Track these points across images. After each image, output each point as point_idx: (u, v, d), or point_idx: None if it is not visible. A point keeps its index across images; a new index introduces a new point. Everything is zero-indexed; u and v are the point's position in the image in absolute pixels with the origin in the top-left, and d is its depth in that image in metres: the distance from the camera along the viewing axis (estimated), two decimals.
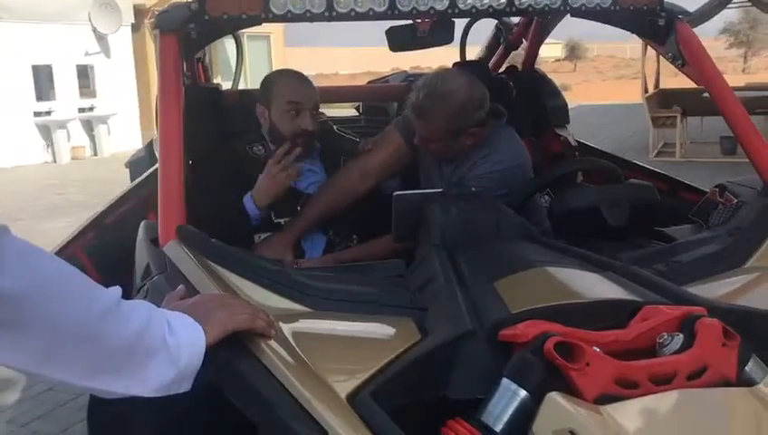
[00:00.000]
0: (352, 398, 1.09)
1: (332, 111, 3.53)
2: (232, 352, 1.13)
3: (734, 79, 21.00)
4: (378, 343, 1.31)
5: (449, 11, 1.92)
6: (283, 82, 2.33)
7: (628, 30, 2.24)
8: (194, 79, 2.90)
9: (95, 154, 12.58)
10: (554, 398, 1.04)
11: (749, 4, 10.14)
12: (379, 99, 3.29)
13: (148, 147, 3.18)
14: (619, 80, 29.07)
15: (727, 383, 1.13)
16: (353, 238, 2.36)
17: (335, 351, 1.24)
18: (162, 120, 1.75)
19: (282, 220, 2.26)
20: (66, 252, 2.33)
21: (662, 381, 1.11)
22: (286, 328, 1.27)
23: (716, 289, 1.51)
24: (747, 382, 1.15)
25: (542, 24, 3.02)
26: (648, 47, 10.58)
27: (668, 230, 2.01)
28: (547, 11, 2.01)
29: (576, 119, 2.95)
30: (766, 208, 1.75)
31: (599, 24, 2.25)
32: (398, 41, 2.33)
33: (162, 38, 1.89)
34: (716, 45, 29.11)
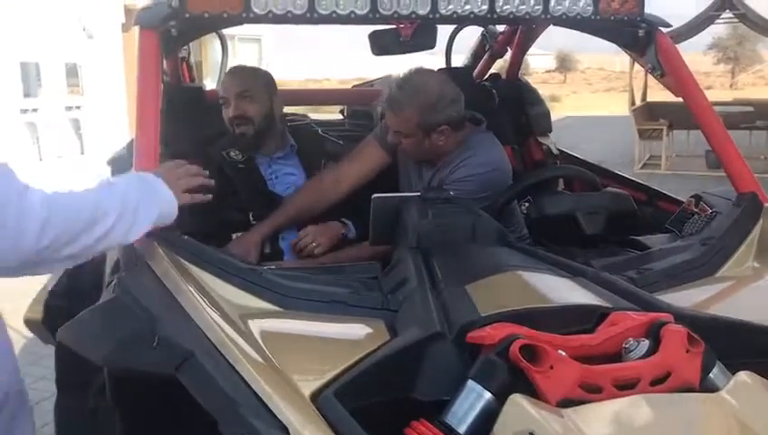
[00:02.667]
0: (315, 397, 1.09)
1: (318, 114, 3.54)
2: (195, 347, 1.12)
3: (721, 94, 21.23)
4: (345, 343, 1.31)
5: (431, 16, 1.93)
6: (221, 82, 2.49)
7: (609, 40, 2.25)
8: (176, 78, 2.90)
9: (82, 153, 12.51)
10: (516, 400, 1.04)
11: (737, 20, 10.23)
12: (363, 102, 3.29)
13: (130, 145, 3.17)
14: (608, 92, 29.24)
15: (690, 389, 1.13)
16: None
17: (302, 350, 1.24)
18: (139, 117, 1.75)
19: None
20: None
21: (625, 386, 1.11)
22: (254, 326, 1.27)
23: (687, 297, 1.52)
24: (710, 389, 1.15)
25: (526, 32, 3.04)
26: (641, 65, 10.65)
27: (643, 239, 2.03)
28: (528, 19, 2.03)
29: (564, 130, 2.98)
30: (739, 219, 1.76)
31: (588, 35, 2.27)
32: (381, 45, 2.34)
33: (142, 35, 1.89)
34: (705, 60, 29.38)
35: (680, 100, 2.17)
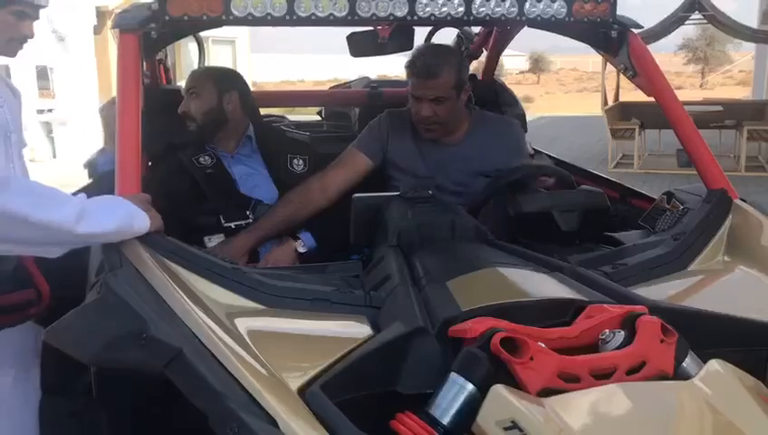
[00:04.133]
0: (303, 391, 1.11)
1: (295, 116, 3.56)
2: (182, 344, 1.14)
3: (691, 94, 21.52)
4: (330, 339, 1.33)
5: (408, 18, 1.96)
6: None
7: (582, 41, 2.30)
8: (154, 80, 2.90)
9: (54, 156, 12.37)
10: (498, 390, 1.08)
11: (706, 21, 10.41)
12: (340, 103, 3.32)
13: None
14: (581, 92, 29.52)
15: (664, 377, 1.17)
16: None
17: (288, 346, 1.26)
18: (120, 119, 1.75)
19: (231, 224, 2.29)
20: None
21: (602, 376, 1.15)
22: (241, 324, 1.29)
23: (660, 291, 1.56)
24: (684, 377, 1.19)
25: (501, 34, 3.08)
26: (613, 66, 10.79)
27: (618, 235, 2.07)
28: (504, 21, 2.07)
29: (538, 130, 3.04)
30: (709, 215, 1.82)
31: (562, 36, 2.33)
32: (359, 46, 2.37)
33: (122, 38, 1.89)
34: (675, 61, 29.81)
35: (652, 100, 2.22)
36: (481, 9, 2.00)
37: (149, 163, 2.53)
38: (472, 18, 2.01)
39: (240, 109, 2.42)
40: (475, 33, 3.28)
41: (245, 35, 17.02)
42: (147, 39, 1.91)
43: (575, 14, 2.07)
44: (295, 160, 2.51)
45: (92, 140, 12.32)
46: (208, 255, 1.56)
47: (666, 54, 26.50)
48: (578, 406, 1.07)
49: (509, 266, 1.57)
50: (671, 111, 2.12)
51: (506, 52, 3.43)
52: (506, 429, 1.00)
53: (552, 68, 40.27)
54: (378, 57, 2.57)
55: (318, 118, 3.61)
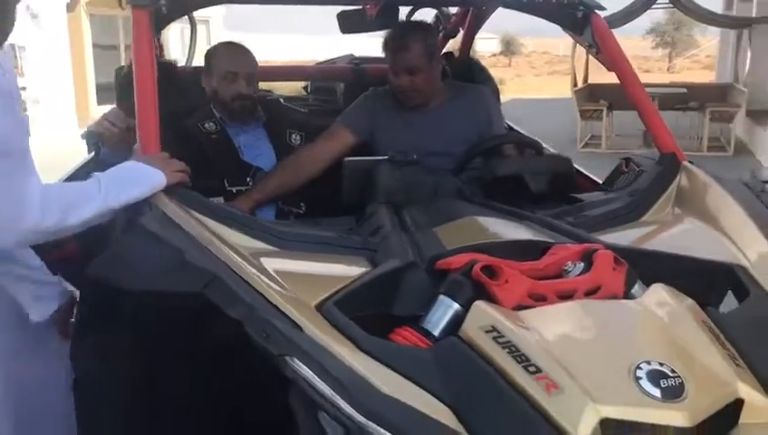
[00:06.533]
0: (319, 308, 1.34)
1: (281, 90, 3.74)
2: (216, 271, 1.36)
3: (659, 77, 21.95)
4: (338, 271, 1.55)
5: None
6: (222, 53, 2.59)
7: (551, 21, 2.53)
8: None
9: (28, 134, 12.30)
10: (480, 304, 1.31)
11: (672, 6, 10.72)
12: (326, 79, 3.52)
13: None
14: (551, 75, 29.87)
15: (616, 298, 1.42)
16: (301, 205, 2.61)
17: (303, 275, 1.48)
18: (139, 88, 1.93)
19: (233, 188, 2.49)
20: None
21: (565, 296, 1.39)
22: (260, 258, 1.50)
23: (616, 237, 1.80)
24: (632, 299, 1.44)
25: (477, 14, 3.29)
26: (579, 43, 11.08)
27: (582, 196, 2.32)
28: (482, 1, 2.28)
29: (509, 111, 3.24)
30: (660, 174, 2.06)
31: (533, 19, 2.55)
32: (348, 23, 2.57)
33: (135, 13, 2.07)
34: (643, 45, 30.28)
35: (615, 82, 2.45)
36: None
37: None
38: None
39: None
40: (453, 14, 3.50)
41: (220, 15, 16.99)
42: (158, 14, 2.09)
43: None
44: (294, 135, 2.71)
45: (66, 116, 12.26)
46: (224, 205, 1.77)
47: (634, 38, 26.94)
48: (544, 317, 1.30)
49: (486, 216, 1.80)
50: (629, 84, 2.35)
51: (478, 34, 3.64)
52: (487, 332, 1.24)
53: (524, 51, 40.59)
54: (352, 40, 2.78)
55: (303, 93, 3.81)
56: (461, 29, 3.46)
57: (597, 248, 1.51)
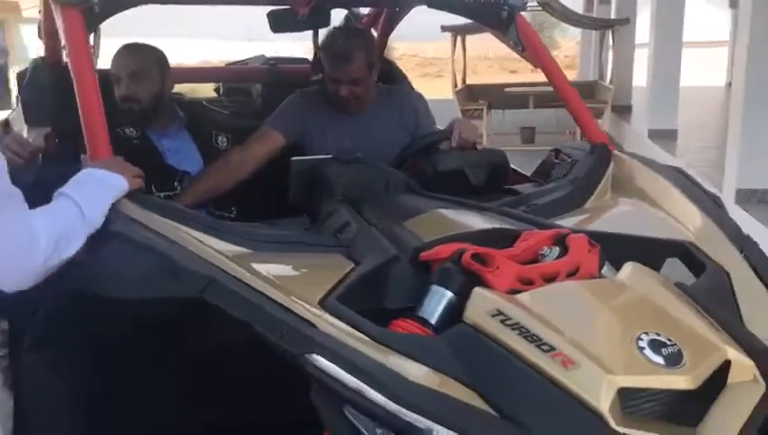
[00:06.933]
0: (322, 304, 1.33)
1: (191, 93, 3.63)
2: (212, 272, 1.32)
3: (525, 77, 22.96)
4: (324, 268, 1.55)
5: None
6: (113, 57, 2.52)
7: (476, 20, 2.63)
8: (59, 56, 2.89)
9: None
10: (480, 291, 1.35)
11: (541, 9, 11.29)
12: (242, 80, 3.46)
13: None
14: (423, 77, 30.51)
15: (593, 278, 1.50)
16: (232, 210, 2.56)
17: (294, 274, 1.46)
18: (80, 92, 1.83)
19: (161, 194, 2.41)
20: None
21: (550, 279, 1.46)
22: (246, 262, 1.47)
23: (567, 223, 1.90)
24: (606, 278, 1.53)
25: (391, 14, 3.34)
26: (458, 46, 11.50)
27: (516, 187, 2.42)
28: (411, 3, 2.33)
29: None
30: (595, 163, 2.20)
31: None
32: (279, 23, 2.55)
33: (66, 12, 1.95)
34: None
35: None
36: None
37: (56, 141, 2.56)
38: None
39: (172, 88, 2.53)
40: (365, 15, 3.53)
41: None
42: (90, 14, 1.99)
43: None
44: (220, 138, 2.66)
45: None
46: (188, 209, 1.71)
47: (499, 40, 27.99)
48: (541, 298, 1.36)
49: (449, 209, 1.85)
50: (555, 81, 2.48)
51: None
52: (493, 316, 1.28)
53: (395, 54, 41.24)
54: (271, 44, 2.75)
55: (215, 95, 3.71)
56: (373, 30, 3.51)
57: (567, 233, 1.60)
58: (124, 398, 1.51)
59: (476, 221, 1.77)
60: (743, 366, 1.26)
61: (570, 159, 2.35)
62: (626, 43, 11.47)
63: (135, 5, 2.04)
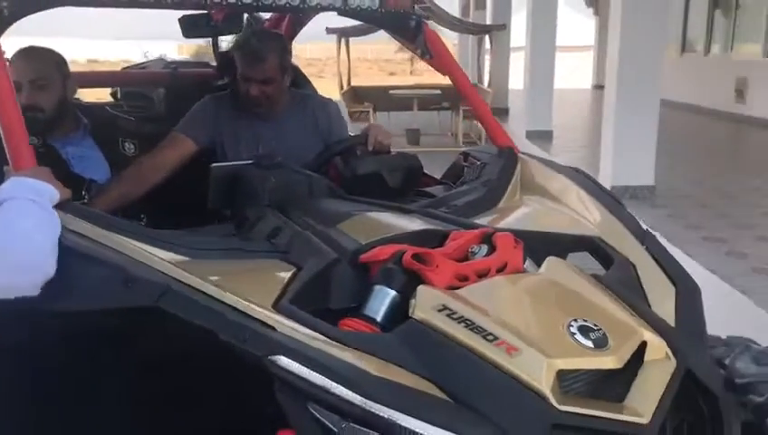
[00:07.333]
0: (275, 307, 1.38)
1: (87, 97, 3.50)
2: (165, 280, 1.34)
3: (404, 79, 23.45)
4: (268, 274, 1.59)
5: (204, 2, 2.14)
6: (11, 61, 2.41)
7: (385, 29, 2.72)
8: None
9: None
10: (424, 288, 1.45)
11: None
12: (144, 84, 3.38)
13: None
14: None
15: (519, 272, 1.63)
16: (142, 217, 2.54)
17: (241, 281, 1.49)
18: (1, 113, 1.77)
19: None
20: None
21: (482, 275, 1.57)
22: (195, 269, 1.48)
23: (484, 222, 2.04)
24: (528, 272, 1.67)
25: (294, 19, 3.38)
26: (342, 49, 11.61)
27: (429, 189, 2.54)
28: (322, 9, 2.38)
29: None
30: (504, 166, 2.35)
31: None
32: (192, 28, 2.54)
33: None
34: (388, 49, 32.17)
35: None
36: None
37: None
38: (306, 6, 2.30)
39: (75, 93, 2.46)
40: (266, 19, 3.54)
41: None
42: None
43: (386, 5, 2.47)
44: (126, 144, 2.61)
45: None
46: (121, 220, 1.70)
47: (378, 43, 28.50)
48: (479, 293, 1.47)
49: (377, 212, 1.94)
50: (461, 88, 2.62)
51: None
52: (440, 311, 1.38)
53: None
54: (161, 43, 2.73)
55: (112, 99, 3.60)
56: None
57: (493, 232, 1.72)
58: (69, 407, 1.49)
59: (405, 223, 1.86)
60: (657, 346, 1.43)
61: (479, 163, 2.49)
62: (502, 47, 11.99)
63: (46, 8, 1.97)
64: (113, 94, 3.66)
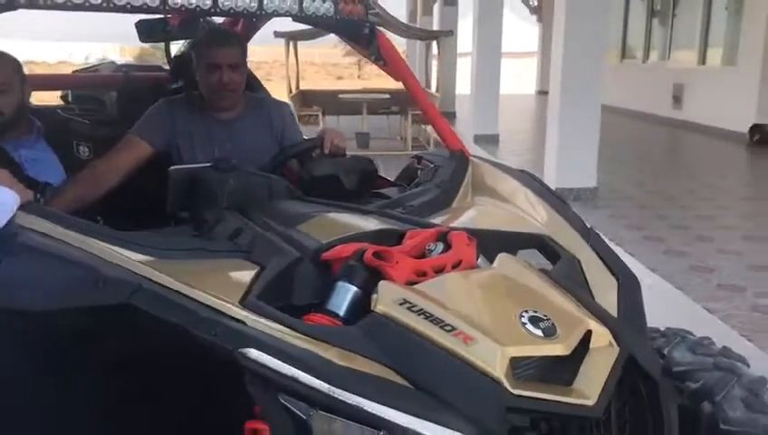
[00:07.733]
0: (242, 303, 1.44)
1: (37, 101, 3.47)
2: (136, 279, 1.38)
3: (352, 83, 23.54)
4: (234, 272, 1.64)
5: (161, 7, 2.12)
6: None
7: (340, 36, 2.79)
8: None
9: None
10: (385, 283, 1.52)
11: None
12: (97, 87, 3.37)
13: None
14: None
15: (473, 268, 1.72)
16: (98, 220, 2.55)
17: (209, 279, 1.54)
18: None
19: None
20: None
21: (439, 271, 1.66)
22: (163, 268, 1.52)
23: (438, 222, 2.13)
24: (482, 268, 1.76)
25: (248, 23, 3.42)
26: (291, 53, 11.62)
27: (383, 191, 2.62)
28: (280, 15, 2.43)
29: None
30: (456, 168, 2.45)
31: None
32: (148, 32, 2.56)
33: None
34: (335, 53, 32.24)
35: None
36: (270, 4, 2.35)
37: None
38: (263, 11, 2.35)
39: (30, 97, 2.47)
40: (220, 23, 3.57)
41: None
42: None
43: (341, 12, 2.54)
44: (81, 147, 2.63)
45: None
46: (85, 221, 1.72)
47: (326, 46, 28.54)
48: (437, 287, 1.56)
49: (335, 212, 2.01)
50: (414, 93, 2.71)
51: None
52: (401, 304, 1.45)
53: None
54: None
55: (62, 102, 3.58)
56: None
57: (447, 230, 1.81)
58: (40, 407, 1.51)
59: (363, 223, 1.93)
60: (601, 334, 1.53)
61: (432, 165, 2.58)
62: (450, 53, 12.17)
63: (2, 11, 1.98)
64: (63, 97, 3.65)
